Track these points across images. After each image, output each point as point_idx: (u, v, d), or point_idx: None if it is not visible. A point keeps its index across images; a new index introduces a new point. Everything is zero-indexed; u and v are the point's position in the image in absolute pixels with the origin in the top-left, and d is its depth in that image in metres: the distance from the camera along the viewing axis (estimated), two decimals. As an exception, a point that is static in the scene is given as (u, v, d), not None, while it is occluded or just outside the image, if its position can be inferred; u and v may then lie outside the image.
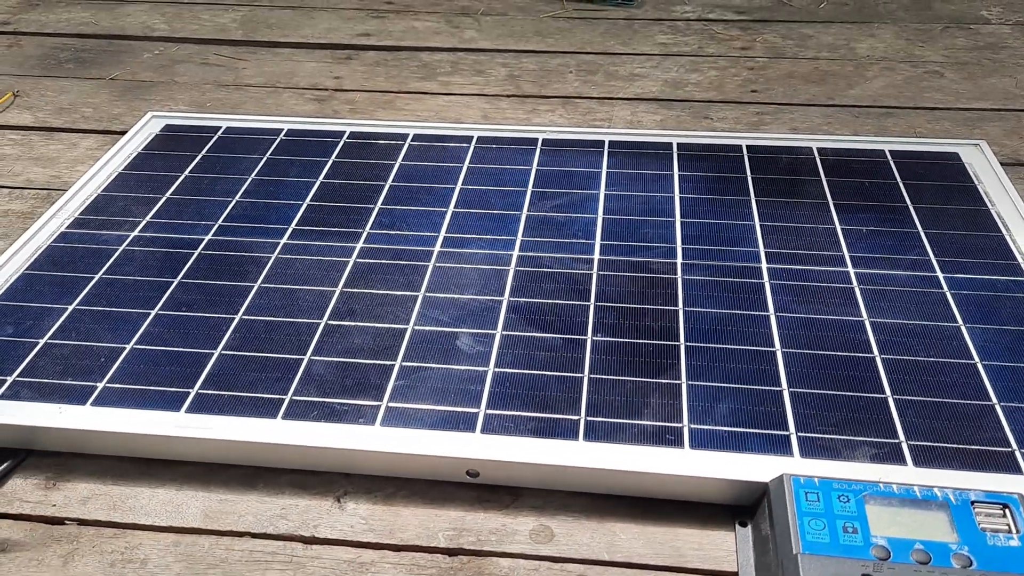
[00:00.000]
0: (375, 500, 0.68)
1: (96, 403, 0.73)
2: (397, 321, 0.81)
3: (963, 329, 0.79)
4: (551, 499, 0.68)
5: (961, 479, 0.66)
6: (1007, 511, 0.61)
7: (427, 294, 0.84)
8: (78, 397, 0.73)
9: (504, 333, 0.80)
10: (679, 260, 0.88)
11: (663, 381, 0.74)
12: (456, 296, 0.84)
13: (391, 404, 0.73)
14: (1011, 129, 1.14)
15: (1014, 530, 0.60)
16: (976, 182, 0.99)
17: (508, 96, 1.25)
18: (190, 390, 0.74)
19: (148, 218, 0.96)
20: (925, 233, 0.91)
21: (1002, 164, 1.02)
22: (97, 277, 0.87)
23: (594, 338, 0.79)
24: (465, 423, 0.71)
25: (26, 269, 0.88)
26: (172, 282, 0.86)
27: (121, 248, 0.91)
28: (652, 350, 0.78)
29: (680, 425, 0.70)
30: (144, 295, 0.85)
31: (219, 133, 1.11)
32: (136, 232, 0.94)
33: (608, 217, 0.95)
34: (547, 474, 0.68)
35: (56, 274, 0.88)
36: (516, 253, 0.90)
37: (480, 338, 0.79)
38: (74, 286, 0.86)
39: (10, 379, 0.76)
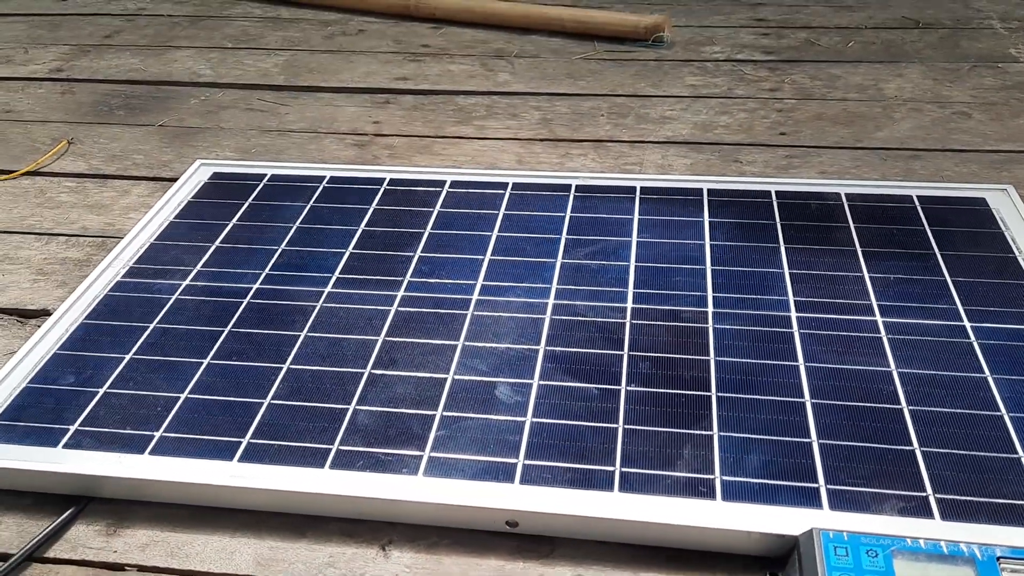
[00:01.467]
0: (418, 549, 0.71)
1: (153, 452, 0.77)
2: (437, 370, 0.85)
3: (990, 380, 0.81)
4: (587, 549, 0.71)
5: (988, 533, 0.67)
6: (1033, 567, 0.63)
7: (466, 343, 0.88)
8: (137, 446, 0.77)
9: (541, 383, 0.83)
10: (710, 309, 0.91)
11: (695, 432, 0.77)
12: (494, 345, 0.87)
13: (433, 454, 0.76)
14: (1039, 172, 1.15)
15: (1040, 587, 0.61)
16: (1003, 228, 1.01)
17: (541, 140, 1.28)
18: (241, 439, 0.78)
19: (199, 267, 1.00)
20: (952, 281, 0.93)
21: (1030, 208, 1.04)
22: (152, 326, 0.91)
23: (628, 388, 0.82)
24: (504, 473, 0.74)
25: (85, 319, 0.93)
26: (223, 331, 0.90)
27: (174, 297, 0.96)
28: (684, 400, 0.80)
29: (712, 477, 0.73)
30: (196, 344, 0.89)
31: (264, 181, 1.15)
32: (188, 281, 0.98)
33: (640, 265, 0.97)
34: (584, 525, 0.70)
35: (113, 323, 0.92)
36: (551, 301, 0.93)
37: (518, 387, 0.82)
38: (130, 335, 0.90)
39: (72, 428, 0.80)
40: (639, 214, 1.06)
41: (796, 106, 1.34)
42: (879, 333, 0.87)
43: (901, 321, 0.88)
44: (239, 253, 1.02)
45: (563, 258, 0.99)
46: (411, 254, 1.01)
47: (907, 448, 0.75)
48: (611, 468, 0.74)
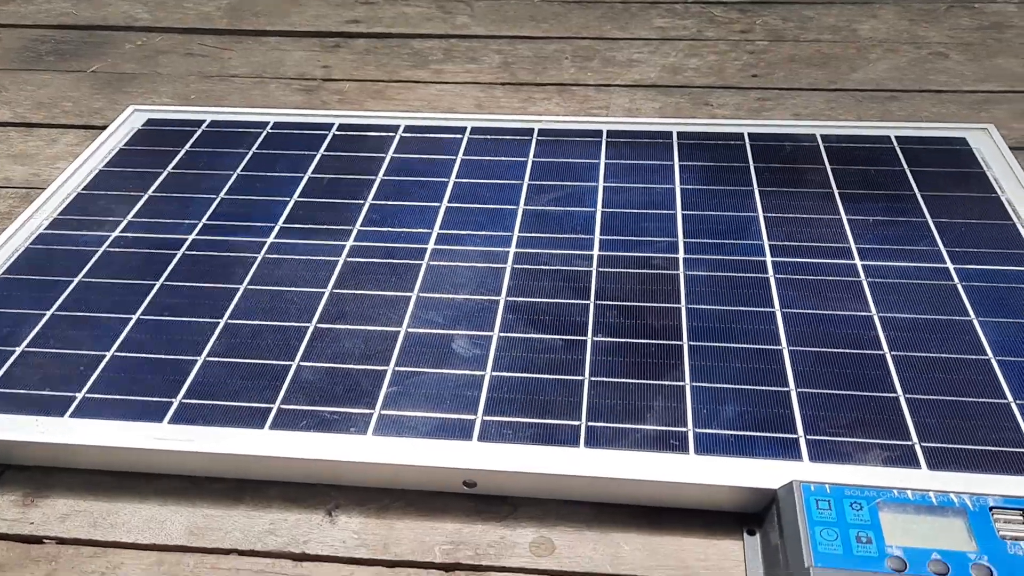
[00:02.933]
0: (368, 513, 0.65)
1: (75, 415, 0.70)
2: (389, 323, 0.78)
3: (975, 323, 0.76)
4: (552, 509, 0.65)
5: (977, 482, 0.63)
6: (1028, 518, 0.58)
7: (421, 294, 0.81)
8: (57, 409, 0.70)
9: (501, 335, 0.77)
10: (681, 255, 0.85)
11: (666, 383, 0.72)
12: (451, 296, 0.81)
13: (384, 412, 0.70)
14: (1019, 112, 1.11)
15: (1036, 538, 0.57)
16: (985, 168, 0.96)
17: (502, 84, 1.21)
18: (172, 400, 0.71)
19: (129, 217, 0.92)
20: (934, 222, 0.88)
21: (1011, 148, 0.99)
22: (76, 280, 0.84)
23: (594, 339, 0.76)
24: (461, 431, 0.68)
25: (2, 273, 0.85)
26: (154, 285, 0.83)
27: (101, 249, 0.88)
28: (654, 350, 0.75)
29: (684, 429, 0.67)
30: (125, 299, 0.81)
31: (203, 127, 1.07)
32: (117, 232, 0.90)
33: (607, 211, 0.91)
34: (547, 483, 0.65)
35: (33, 278, 0.84)
36: (513, 250, 0.87)
37: (476, 340, 0.76)
38: (52, 290, 0.83)
39: (-14, 390, 0.73)
40: (606, 158, 1.00)
41: (768, 48, 1.28)
42: (859, 277, 0.82)
43: (881, 264, 0.83)
44: (174, 203, 0.94)
45: (525, 205, 0.93)
46: (361, 202, 0.94)
47: (890, 395, 0.70)
48: (576, 423, 0.68)
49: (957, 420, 0.68)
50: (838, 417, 0.68)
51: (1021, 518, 0.58)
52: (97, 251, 0.88)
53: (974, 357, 0.73)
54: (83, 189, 0.97)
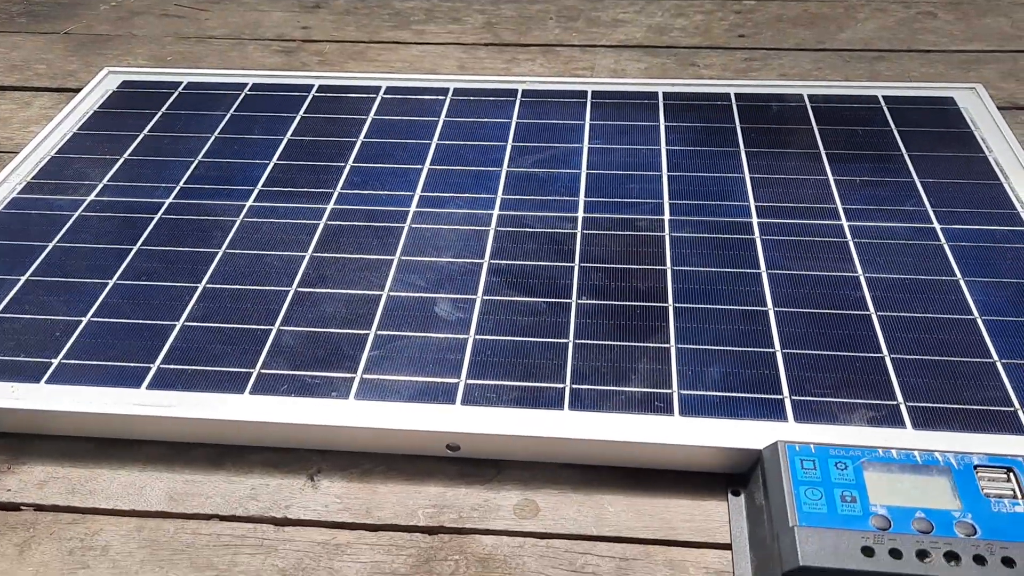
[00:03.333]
0: (350, 477, 0.65)
1: (51, 381, 0.69)
2: (371, 287, 0.77)
3: (962, 283, 0.76)
4: (536, 471, 0.65)
5: (962, 441, 0.63)
6: (1011, 475, 0.58)
7: (403, 258, 0.80)
8: (32, 375, 0.69)
9: (485, 298, 0.76)
10: (667, 216, 0.84)
11: (651, 345, 0.71)
12: (434, 259, 0.80)
13: (365, 376, 0.69)
14: (1007, 71, 1.10)
15: (1019, 495, 0.57)
16: (973, 128, 0.95)
17: (486, 45, 1.19)
18: (151, 365, 0.70)
19: (105, 181, 0.90)
20: (921, 183, 0.87)
21: (999, 108, 0.98)
22: (51, 246, 0.82)
23: (579, 301, 0.75)
24: (444, 394, 0.67)
25: (-25, 238, 0.83)
26: (131, 249, 0.82)
27: (76, 214, 0.86)
28: (639, 313, 0.74)
29: (669, 391, 0.67)
30: (101, 264, 0.80)
31: (180, 89, 1.05)
32: (92, 196, 0.88)
33: (592, 172, 0.90)
34: (531, 446, 0.64)
35: (7, 243, 0.83)
36: (496, 212, 0.85)
37: (459, 304, 0.75)
38: (27, 255, 0.81)
39: (-40, 357, 0.71)
40: (590, 119, 0.99)
41: (755, 7, 1.26)
42: (845, 237, 0.81)
43: (868, 224, 0.82)
44: (150, 166, 0.93)
45: (509, 166, 0.91)
46: (342, 164, 0.92)
47: (876, 355, 0.69)
48: (560, 385, 0.68)
49: (942, 380, 0.67)
50: (823, 378, 0.68)
51: (1005, 476, 0.58)
52: (72, 215, 0.86)
53: (960, 317, 0.73)
54: (57, 152, 0.95)
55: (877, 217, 0.83)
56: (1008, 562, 0.53)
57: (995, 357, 0.69)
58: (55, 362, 0.70)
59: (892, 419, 0.64)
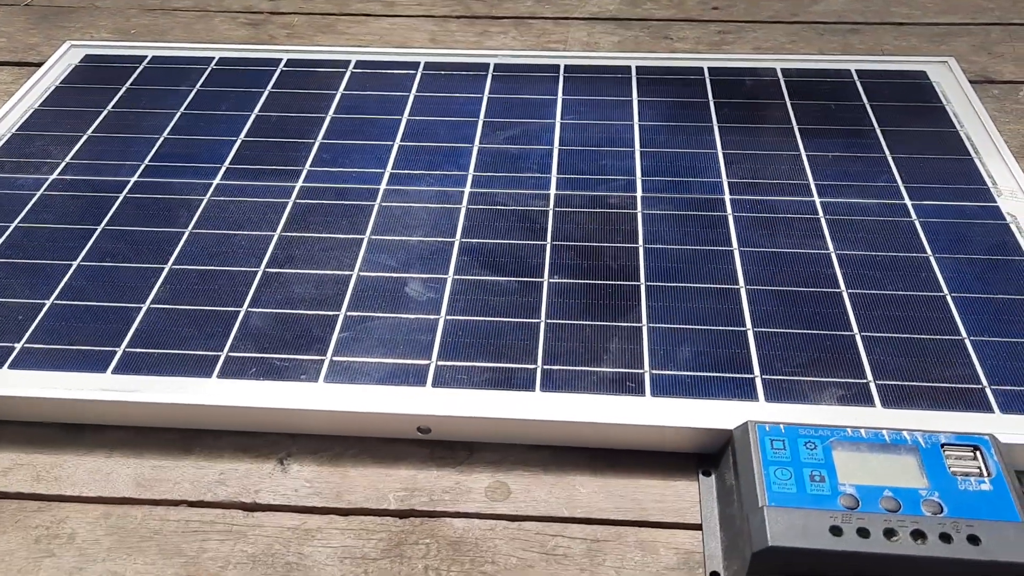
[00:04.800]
0: (321, 461, 0.64)
1: (14, 366, 0.67)
2: (341, 267, 0.76)
3: (932, 259, 0.76)
4: (508, 453, 0.65)
5: (931, 419, 0.63)
6: (978, 453, 0.59)
7: (373, 237, 0.79)
8: (-6, 360, 0.68)
9: (456, 277, 0.75)
10: (639, 193, 0.84)
11: (623, 324, 0.71)
12: (404, 238, 0.79)
13: (335, 358, 0.68)
14: (979, 44, 1.09)
15: (985, 473, 0.58)
16: (944, 102, 0.95)
17: (457, 17, 1.17)
18: (116, 349, 0.69)
19: (68, 159, 0.88)
20: (893, 158, 0.87)
21: (971, 81, 0.98)
22: (12, 226, 0.80)
23: (551, 280, 0.75)
24: (415, 376, 0.67)
25: (-66, 219, 0.81)
26: (95, 230, 0.80)
27: (39, 193, 0.84)
28: (611, 291, 0.74)
29: (641, 371, 0.67)
30: (64, 245, 0.78)
31: (144, 63, 1.03)
32: (55, 175, 0.86)
33: (564, 148, 0.89)
34: (503, 428, 0.64)
35: (-33, 224, 0.81)
36: (468, 190, 0.84)
37: (430, 283, 0.75)
38: (-13, 237, 0.79)
39: (-81, 342, 0.70)
40: (563, 94, 0.98)
41: (729, -21, 1.25)
42: (817, 214, 0.81)
43: (839, 201, 0.82)
44: (114, 143, 0.91)
45: (480, 143, 0.90)
46: (311, 141, 0.91)
47: (847, 333, 0.70)
48: (532, 366, 0.67)
49: (911, 358, 0.68)
50: (794, 356, 0.68)
51: (972, 454, 0.59)
52: (34, 195, 0.84)
53: (930, 294, 0.73)
54: (18, 130, 0.92)
55: (849, 193, 0.83)
56: (973, 539, 0.54)
57: (964, 334, 0.69)
58: (18, 347, 0.69)
59: (862, 398, 0.65)
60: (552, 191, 0.84)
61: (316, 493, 0.62)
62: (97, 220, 0.81)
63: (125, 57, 1.04)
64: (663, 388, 0.66)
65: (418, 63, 1.02)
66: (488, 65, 1.02)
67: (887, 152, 0.88)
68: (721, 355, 0.68)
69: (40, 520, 0.61)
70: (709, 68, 1.01)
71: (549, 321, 0.71)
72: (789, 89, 0.98)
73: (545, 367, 0.67)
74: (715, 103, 0.96)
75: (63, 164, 0.88)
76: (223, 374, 0.67)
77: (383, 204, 0.83)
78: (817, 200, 0.83)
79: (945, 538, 0.54)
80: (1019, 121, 0.96)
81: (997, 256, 0.76)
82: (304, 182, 0.85)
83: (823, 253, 0.77)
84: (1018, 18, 1.14)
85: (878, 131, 0.91)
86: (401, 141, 0.91)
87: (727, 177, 0.85)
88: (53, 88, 0.99)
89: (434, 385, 0.66)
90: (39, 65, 1.05)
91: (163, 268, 0.76)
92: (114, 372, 0.67)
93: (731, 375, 0.67)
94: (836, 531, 0.54)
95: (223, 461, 0.64)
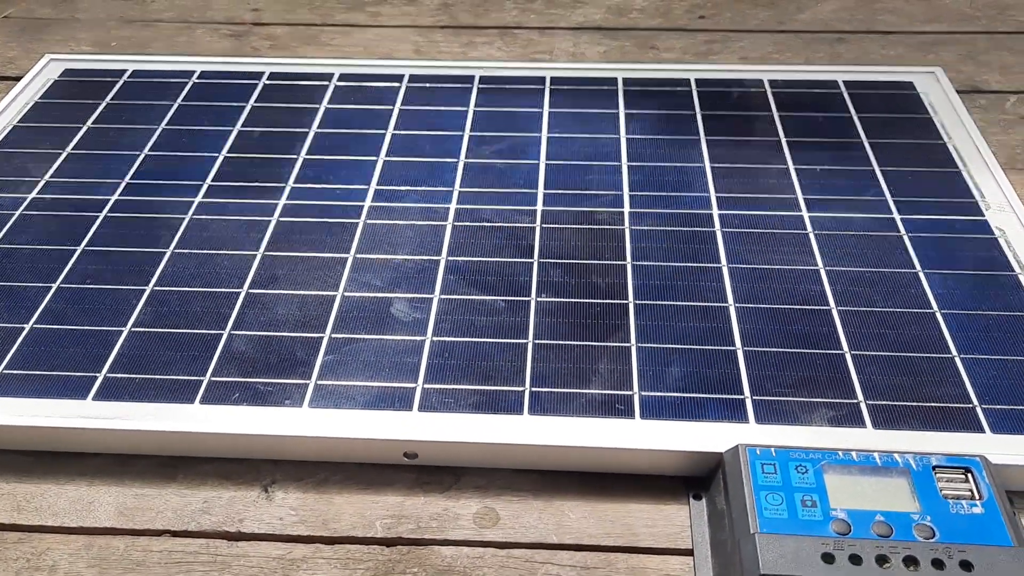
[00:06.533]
0: (306, 488, 0.63)
1: (-8, 393, 0.66)
2: (325, 287, 0.75)
3: (921, 275, 0.76)
4: (496, 478, 0.64)
5: (921, 440, 0.63)
6: (969, 476, 0.58)
7: (357, 256, 0.78)
8: (-29, 387, 0.67)
9: (442, 297, 0.74)
10: (626, 209, 0.83)
11: (612, 344, 0.70)
12: (389, 257, 0.78)
13: (320, 382, 0.67)
14: (966, 54, 1.09)
15: (976, 496, 0.57)
16: (932, 113, 0.95)
17: (442, 28, 1.17)
18: (97, 374, 0.67)
19: (47, 177, 0.87)
20: (881, 171, 0.87)
21: (958, 91, 0.98)
22: (-10, 248, 0.79)
23: (538, 299, 0.74)
24: (401, 400, 0.66)
25: (-91, 241, 0.80)
26: (75, 250, 0.79)
27: (17, 213, 0.83)
28: (599, 310, 0.73)
29: (630, 393, 0.66)
30: (43, 266, 0.77)
31: (125, 77, 1.01)
32: (33, 194, 0.85)
33: (551, 163, 0.89)
34: (491, 453, 0.63)
35: (-56, 245, 0.79)
36: (453, 206, 0.84)
37: (416, 303, 0.74)
38: (-36, 259, 0.78)
39: None
40: (549, 107, 0.97)
41: (715, -13, 1.24)
42: (806, 230, 0.80)
43: (828, 216, 0.82)
44: (95, 160, 0.89)
45: (466, 157, 0.90)
46: (294, 157, 0.90)
47: (837, 352, 0.69)
48: (520, 388, 0.66)
49: (902, 376, 0.67)
50: (784, 376, 0.67)
51: (963, 477, 0.58)
52: (13, 214, 0.83)
53: (919, 310, 0.73)
54: (-5, 147, 0.91)
55: (837, 208, 0.83)
56: (966, 566, 0.53)
57: (954, 352, 0.69)
58: (-4, 373, 0.68)
59: (852, 418, 0.64)
60: (539, 207, 0.83)
61: (302, 521, 0.61)
62: (77, 240, 0.80)
63: (105, 71, 1.02)
64: (652, 410, 0.65)
65: (402, 75, 1.02)
66: (473, 77, 1.01)
67: (875, 165, 0.88)
68: (711, 375, 0.67)
69: (20, 552, 0.60)
70: (696, 79, 1.01)
71: (537, 341, 0.70)
72: (776, 100, 0.97)
73: (533, 389, 0.67)
74: (702, 115, 0.95)
75: (42, 182, 0.86)
76: (206, 399, 0.66)
77: (368, 221, 0.82)
78: (805, 215, 0.82)
79: (938, 564, 0.53)
80: (1006, 132, 0.96)
81: (986, 271, 0.76)
82: (287, 199, 0.84)
83: (812, 269, 0.76)
84: (1004, 27, 1.14)
85: (866, 143, 0.91)
86: (386, 156, 0.90)
87: (715, 191, 0.85)
88: (32, 104, 0.97)
89: (420, 409, 0.65)
90: (18, 79, 1.04)
91: (144, 290, 0.75)
92: (95, 398, 0.66)
93: (721, 396, 0.66)
94: (828, 558, 0.54)
95: (206, 488, 0.63)
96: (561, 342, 0.70)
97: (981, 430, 0.63)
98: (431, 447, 0.63)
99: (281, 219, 0.82)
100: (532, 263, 0.77)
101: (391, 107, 0.97)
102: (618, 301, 0.74)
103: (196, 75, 1.01)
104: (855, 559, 0.53)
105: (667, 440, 0.63)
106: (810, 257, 0.78)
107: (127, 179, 0.87)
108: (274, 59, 1.05)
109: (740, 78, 1.01)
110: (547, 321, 0.72)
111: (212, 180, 0.86)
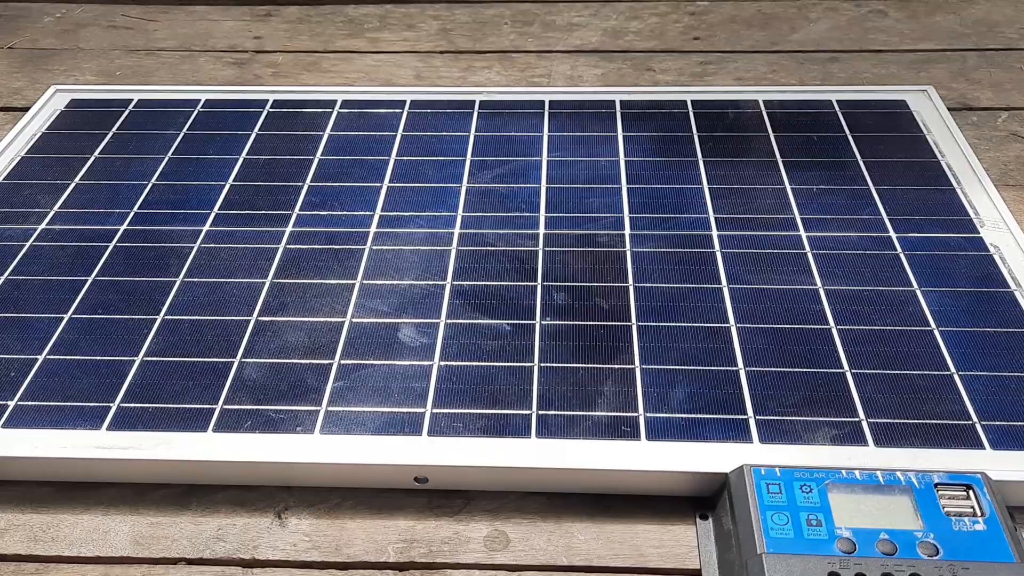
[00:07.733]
0: (318, 513, 0.64)
1: (8, 424, 0.67)
2: (333, 314, 0.76)
3: (918, 293, 0.77)
4: (505, 501, 0.65)
5: (923, 457, 0.64)
6: (971, 492, 0.60)
7: (364, 281, 0.80)
8: (-13, 419, 0.68)
9: (448, 321, 0.75)
10: (627, 231, 0.84)
11: (616, 366, 0.71)
12: (396, 282, 0.79)
13: (330, 408, 0.68)
14: (957, 71, 1.11)
15: (978, 513, 0.58)
16: (925, 132, 0.97)
17: (441, 53, 1.18)
18: (111, 404, 0.68)
19: (56, 208, 0.88)
20: (876, 190, 0.89)
21: (949, 109, 1.00)
22: (2, 279, 0.80)
23: (543, 322, 0.75)
24: (410, 425, 0.67)
25: (-78, 274, 0.81)
26: (86, 281, 0.80)
27: (28, 244, 0.84)
28: (603, 332, 0.74)
29: (636, 414, 0.67)
30: (55, 297, 0.78)
31: (130, 107, 1.03)
32: (44, 225, 0.86)
33: (552, 186, 0.90)
34: (499, 476, 0.64)
35: (-44, 278, 0.80)
36: (457, 231, 0.85)
37: (423, 328, 0.75)
38: (-23, 291, 0.79)
39: (-90, 402, 0.69)
40: (549, 131, 0.98)
41: (709, 8, 1.26)
42: (804, 249, 0.82)
43: (826, 235, 0.83)
44: (103, 190, 0.91)
45: (468, 182, 0.91)
46: (300, 184, 0.91)
47: (837, 371, 0.70)
48: (527, 412, 0.68)
49: (902, 394, 0.69)
50: (787, 395, 0.69)
51: (965, 494, 0.59)
52: (24, 245, 0.84)
53: (917, 328, 0.74)
54: (5, 178, 0.92)
55: (834, 227, 0.84)
56: (969, 582, 0.54)
57: (952, 369, 0.70)
58: (11, 404, 0.69)
59: (854, 437, 0.65)
60: (541, 230, 0.85)
61: (315, 547, 0.62)
62: (88, 271, 0.81)
63: (111, 101, 1.04)
64: (658, 431, 0.66)
65: (404, 101, 1.03)
66: (474, 102, 1.03)
67: (870, 184, 0.89)
68: (714, 396, 0.69)
69: (38, 583, 0.61)
70: (692, 101, 1.02)
71: (543, 364, 0.71)
72: (772, 121, 0.99)
73: (540, 412, 0.68)
74: (699, 136, 0.97)
75: (51, 213, 0.88)
76: (219, 427, 0.67)
77: (373, 247, 0.83)
78: (803, 234, 0.84)
79: (941, 581, 0.54)
80: (998, 149, 0.98)
81: (982, 288, 0.77)
82: (294, 227, 0.86)
83: (811, 288, 0.78)
84: (994, 44, 1.16)
85: (860, 163, 0.92)
86: (389, 182, 0.91)
87: (713, 212, 0.86)
88: (39, 135, 0.99)
89: (430, 434, 0.66)
90: (24, 110, 1.05)
91: (155, 319, 0.76)
92: (109, 428, 0.67)
93: (725, 416, 0.67)
94: (834, 577, 0.55)
95: (220, 516, 0.64)
96: (566, 365, 0.71)
97: (981, 446, 0.64)
98: (441, 471, 0.64)
99: (288, 246, 0.83)
100: (536, 286, 0.79)
101: (394, 133, 0.98)
102: (622, 323, 0.75)
103: (201, 104, 1.03)
104: (860, 577, 0.55)
105: (673, 461, 0.64)
106: (808, 276, 0.79)
107: (135, 208, 0.88)
108: (277, 87, 1.06)
109: (735, 99, 1.02)
110: (552, 344, 0.73)
111: (220, 208, 0.88)
